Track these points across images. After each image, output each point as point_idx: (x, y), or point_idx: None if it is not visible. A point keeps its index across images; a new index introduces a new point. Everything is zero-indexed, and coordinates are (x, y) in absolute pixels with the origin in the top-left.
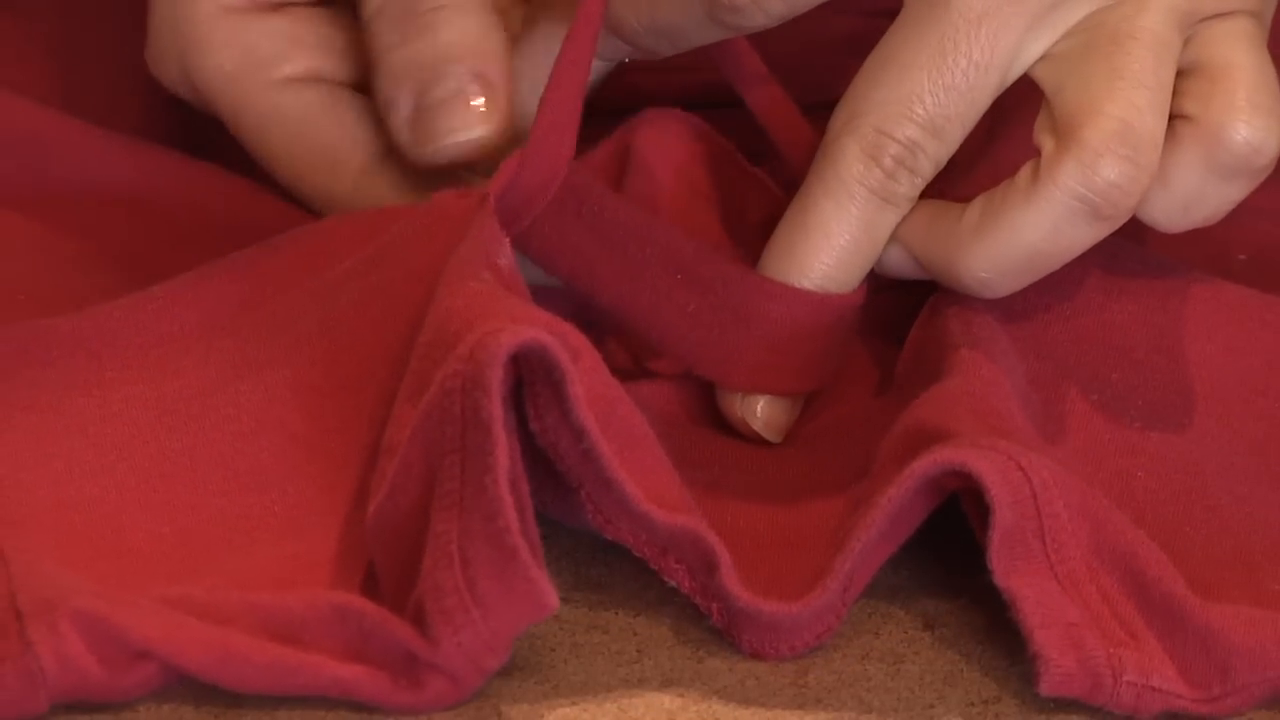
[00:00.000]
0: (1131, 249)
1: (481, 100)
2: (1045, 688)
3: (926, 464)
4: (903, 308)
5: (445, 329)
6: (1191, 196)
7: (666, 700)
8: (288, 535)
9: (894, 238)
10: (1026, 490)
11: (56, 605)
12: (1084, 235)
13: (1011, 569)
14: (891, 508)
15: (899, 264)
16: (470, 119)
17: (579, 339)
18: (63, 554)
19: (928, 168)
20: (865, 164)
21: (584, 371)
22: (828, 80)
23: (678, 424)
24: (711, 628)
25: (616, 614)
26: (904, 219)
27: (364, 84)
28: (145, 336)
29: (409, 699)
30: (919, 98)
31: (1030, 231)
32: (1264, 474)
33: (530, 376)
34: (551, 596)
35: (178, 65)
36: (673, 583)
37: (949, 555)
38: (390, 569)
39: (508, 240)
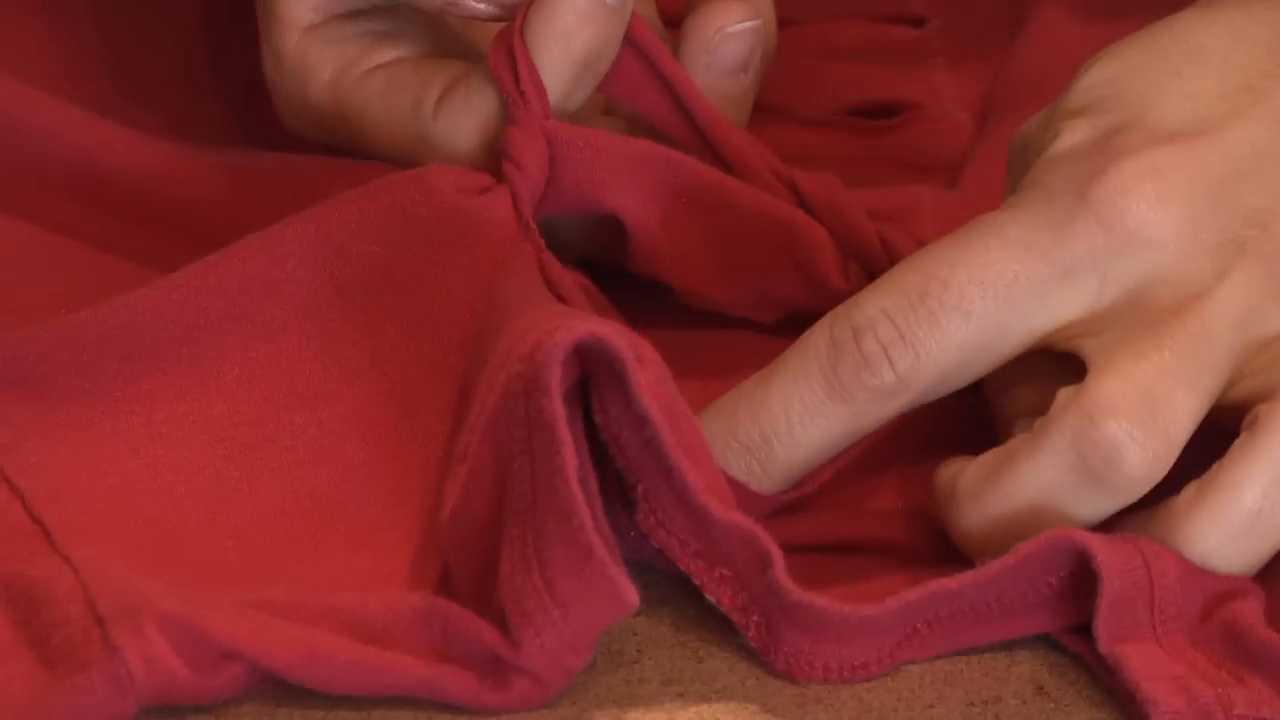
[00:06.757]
0: None
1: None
2: None
3: (1034, 545)
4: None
5: (511, 343)
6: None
7: (666, 700)
8: (355, 550)
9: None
10: (1138, 559)
11: (140, 609)
12: (1085, 505)
13: (1116, 636)
14: (993, 575)
15: None
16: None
17: (646, 347)
18: (130, 564)
19: (891, 377)
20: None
21: (648, 374)
22: (839, 90)
23: None
24: (711, 628)
25: None
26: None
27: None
28: (173, 329)
29: (495, 699)
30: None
31: (1026, 489)
32: None
33: (594, 369)
34: (631, 593)
35: (299, 110)
36: (712, 599)
37: None
38: (467, 572)
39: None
